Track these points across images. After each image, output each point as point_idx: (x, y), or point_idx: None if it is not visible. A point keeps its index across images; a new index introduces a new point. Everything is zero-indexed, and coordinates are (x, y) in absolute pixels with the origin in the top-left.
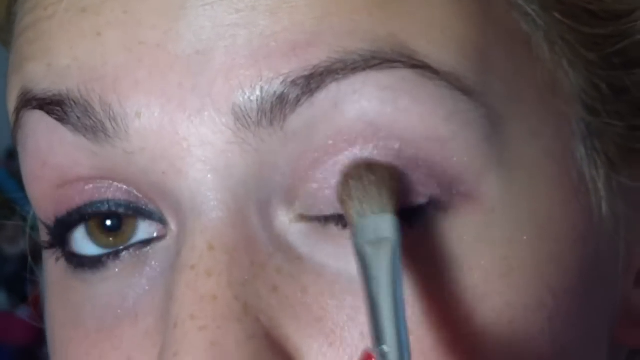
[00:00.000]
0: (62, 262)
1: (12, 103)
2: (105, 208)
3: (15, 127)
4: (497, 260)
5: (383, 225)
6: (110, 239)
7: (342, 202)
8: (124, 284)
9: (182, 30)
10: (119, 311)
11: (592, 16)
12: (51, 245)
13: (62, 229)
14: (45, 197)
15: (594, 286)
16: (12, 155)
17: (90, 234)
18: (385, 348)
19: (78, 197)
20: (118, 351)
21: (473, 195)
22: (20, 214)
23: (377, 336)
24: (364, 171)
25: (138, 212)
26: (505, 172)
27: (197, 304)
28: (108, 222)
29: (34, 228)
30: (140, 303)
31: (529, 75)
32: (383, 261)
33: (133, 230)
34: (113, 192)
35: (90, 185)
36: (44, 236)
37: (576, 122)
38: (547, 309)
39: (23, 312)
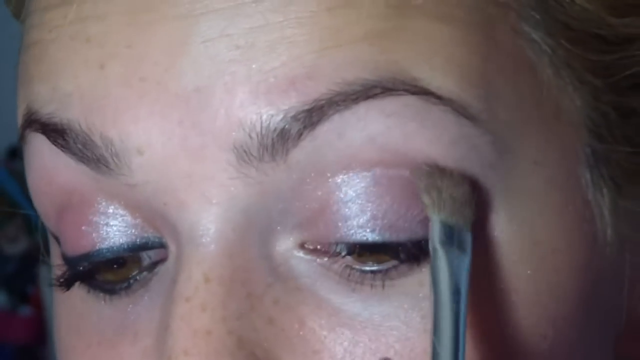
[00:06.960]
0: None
1: (19, 117)
2: (110, 256)
3: (21, 141)
4: (499, 295)
5: (467, 240)
6: (117, 273)
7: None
8: (127, 302)
9: (184, 67)
10: (120, 327)
11: (601, 42)
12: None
13: (75, 268)
14: (52, 212)
15: (596, 310)
16: (13, 155)
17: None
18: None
19: (80, 238)
20: None
21: (477, 226)
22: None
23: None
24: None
25: (141, 248)
26: (509, 201)
27: (191, 339)
28: (115, 266)
29: (37, 228)
30: (139, 322)
31: (534, 102)
32: (462, 272)
33: (138, 261)
34: (114, 232)
35: (91, 227)
36: (56, 256)
37: (582, 148)
38: (548, 340)
39: (23, 312)
